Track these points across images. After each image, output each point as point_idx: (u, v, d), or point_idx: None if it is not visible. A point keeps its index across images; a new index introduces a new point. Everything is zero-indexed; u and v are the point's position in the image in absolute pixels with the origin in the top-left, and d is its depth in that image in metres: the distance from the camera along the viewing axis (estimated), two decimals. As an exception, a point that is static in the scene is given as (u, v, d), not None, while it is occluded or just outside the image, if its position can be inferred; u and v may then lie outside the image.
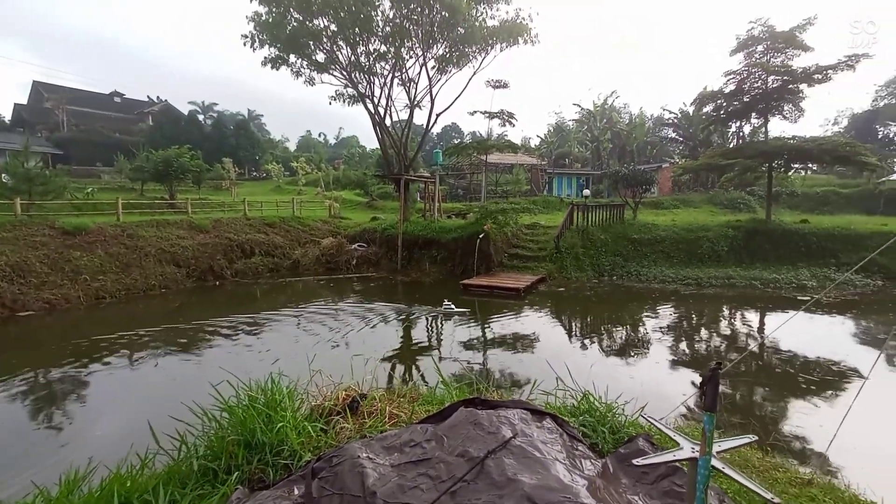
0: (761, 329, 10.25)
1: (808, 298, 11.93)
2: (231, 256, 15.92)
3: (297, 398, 3.49)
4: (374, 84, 21.29)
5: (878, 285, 13.33)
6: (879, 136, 42.51)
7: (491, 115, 21.20)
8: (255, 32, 19.15)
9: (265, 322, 10.20)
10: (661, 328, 9.86)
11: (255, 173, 43.84)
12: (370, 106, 21.24)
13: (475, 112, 21.76)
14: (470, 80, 22.20)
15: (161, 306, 11.86)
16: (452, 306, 10.63)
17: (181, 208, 18.77)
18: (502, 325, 9.90)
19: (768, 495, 1.58)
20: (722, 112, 19.33)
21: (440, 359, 7.91)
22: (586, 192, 20.23)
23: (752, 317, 11.19)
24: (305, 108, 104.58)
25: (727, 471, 1.68)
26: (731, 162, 18.53)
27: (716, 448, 1.73)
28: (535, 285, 13.63)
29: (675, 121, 39.49)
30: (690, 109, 33.97)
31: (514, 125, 25.01)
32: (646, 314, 11.12)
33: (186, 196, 21.74)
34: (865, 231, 15.79)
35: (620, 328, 10.22)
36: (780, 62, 17.11)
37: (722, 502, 2.67)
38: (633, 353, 8.24)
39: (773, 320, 10.70)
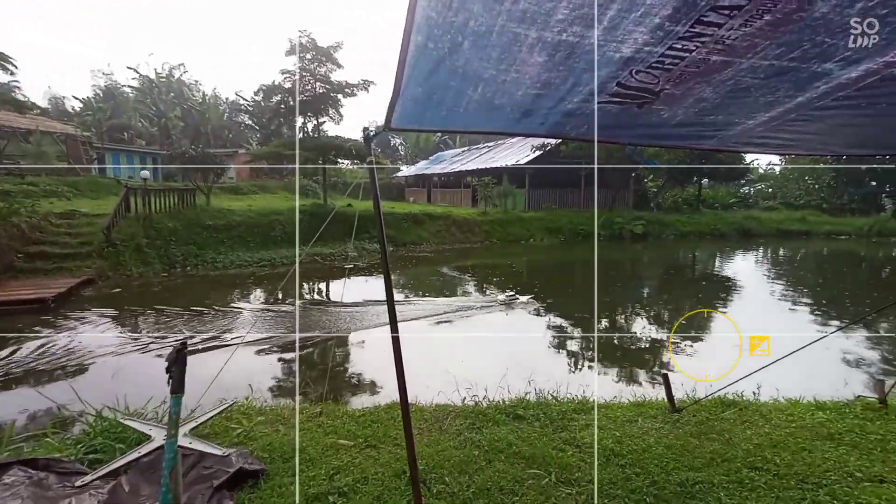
0: (328, 296, 12.29)
1: (352, 266, 15.39)
2: None
3: None
4: None
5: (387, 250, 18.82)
6: (391, 144, 59.04)
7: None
8: None
9: None
10: (231, 313, 9.98)
11: None
12: None
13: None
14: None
15: None
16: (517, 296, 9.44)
17: None
18: (28, 352, 7.20)
19: (219, 451, 1.88)
20: (283, 106, 21.33)
21: None
22: (144, 173, 17.49)
23: (322, 287, 13.27)
24: None
25: (193, 445, 1.86)
26: (293, 153, 20.90)
27: (191, 425, 1.88)
28: (75, 290, 10.66)
29: (250, 108, 40.34)
30: (261, 99, 35.56)
31: (13, 73, 18.00)
32: (225, 302, 10.94)
33: None
34: (384, 210, 21.86)
35: (194, 323, 9.61)
36: (323, 73, 20.55)
37: (249, 462, 3.00)
38: (201, 348, 7.97)
39: (334, 287, 13.08)
